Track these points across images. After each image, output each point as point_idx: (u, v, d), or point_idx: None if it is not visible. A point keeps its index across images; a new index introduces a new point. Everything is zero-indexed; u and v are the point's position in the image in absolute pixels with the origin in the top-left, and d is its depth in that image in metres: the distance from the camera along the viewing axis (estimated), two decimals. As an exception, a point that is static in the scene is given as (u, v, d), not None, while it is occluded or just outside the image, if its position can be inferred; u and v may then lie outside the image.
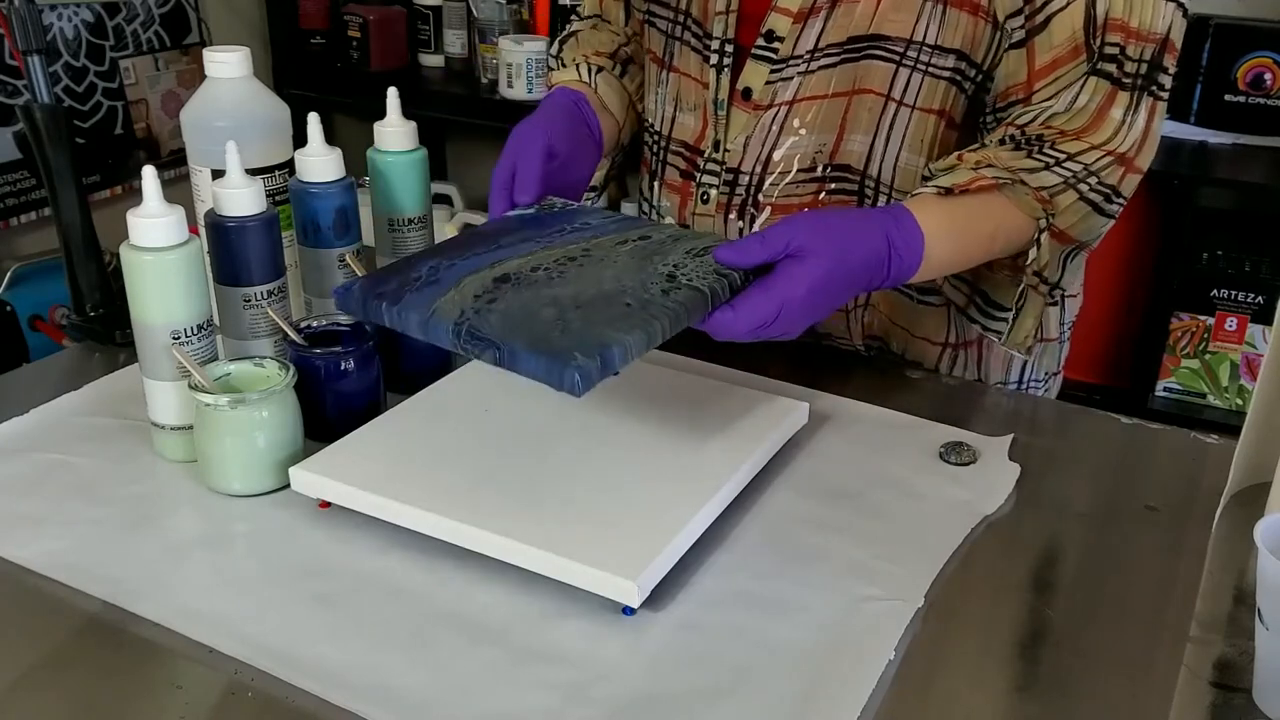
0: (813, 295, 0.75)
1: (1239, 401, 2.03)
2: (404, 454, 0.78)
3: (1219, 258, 1.98)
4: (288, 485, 0.77)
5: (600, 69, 1.07)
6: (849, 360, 1.04)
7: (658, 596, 0.68)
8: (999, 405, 0.97)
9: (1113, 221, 0.90)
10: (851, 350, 1.05)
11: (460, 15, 2.47)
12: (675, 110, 1.04)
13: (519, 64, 2.23)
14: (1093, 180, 0.87)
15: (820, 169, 0.96)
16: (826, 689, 0.62)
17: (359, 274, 0.89)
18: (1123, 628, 0.68)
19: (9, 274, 1.95)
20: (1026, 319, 0.91)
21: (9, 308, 1.93)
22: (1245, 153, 1.94)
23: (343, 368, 0.83)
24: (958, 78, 0.90)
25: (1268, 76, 1.96)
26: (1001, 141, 0.89)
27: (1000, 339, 0.93)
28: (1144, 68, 0.87)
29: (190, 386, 0.77)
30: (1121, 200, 0.89)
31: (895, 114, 0.92)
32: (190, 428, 0.80)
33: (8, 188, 2.08)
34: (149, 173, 0.78)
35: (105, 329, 1.01)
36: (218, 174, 0.86)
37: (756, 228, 0.99)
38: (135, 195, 1.11)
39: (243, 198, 0.82)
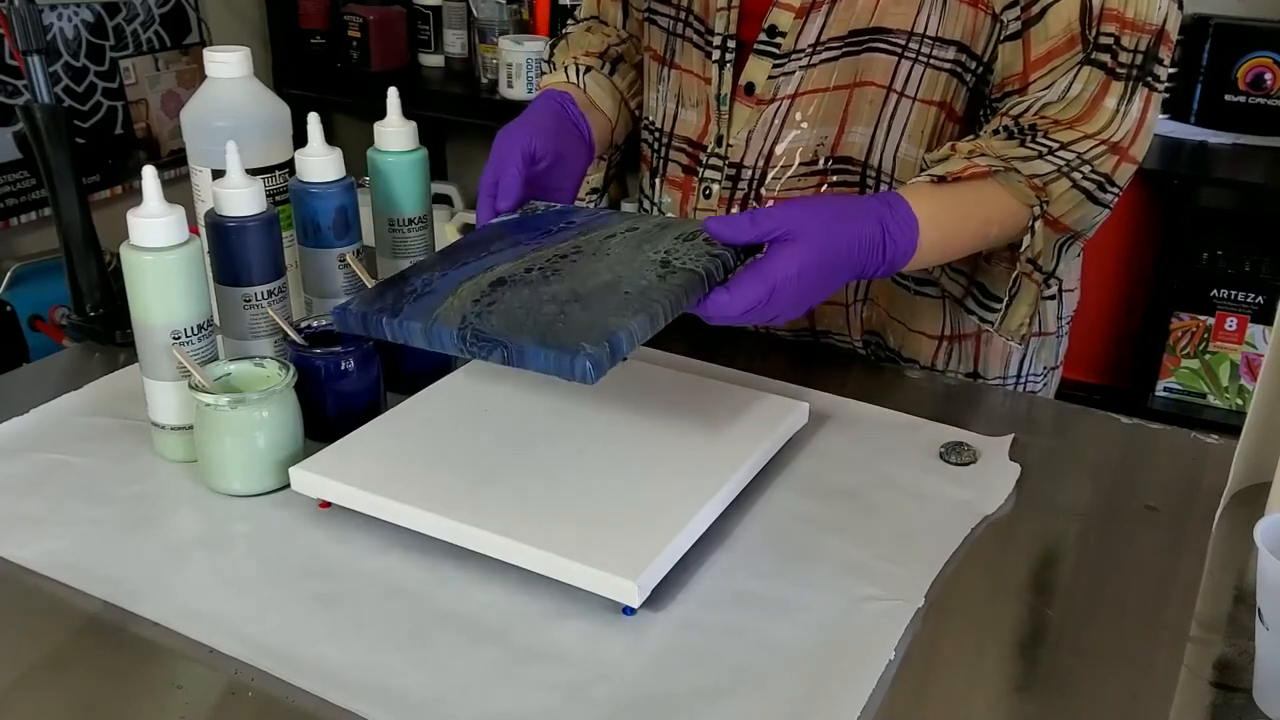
0: (803, 276, 0.76)
1: (1239, 401, 2.03)
2: (404, 454, 0.78)
3: (1219, 258, 1.98)
4: (288, 485, 0.77)
5: (589, 69, 1.07)
6: (849, 360, 1.04)
7: (658, 596, 0.68)
8: (999, 405, 0.97)
9: (1108, 211, 0.91)
10: (849, 348, 1.05)
11: (460, 15, 2.47)
12: (677, 107, 1.04)
13: (519, 64, 2.23)
14: (1085, 169, 0.87)
15: (822, 162, 0.96)
16: (826, 689, 0.62)
17: (359, 274, 0.89)
18: (1123, 628, 0.68)
19: (9, 274, 1.96)
20: (1020, 306, 0.91)
21: (9, 308, 1.93)
22: (1245, 153, 1.94)
23: (343, 368, 0.83)
24: (958, 69, 0.91)
25: (1268, 76, 1.96)
26: (995, 132, 0.89)
27: (993, 326, 0.93)
28: (1139, 58, 0.87)
29: (190, 386, 0.77)
30: (1116, 190, 0.89)
31: (896, 106, 0.92)
32: (190, 428, 0.80)
33: (8, 188, 2.08)
34: (149, 173, 0.78)
35: (105, 329, 1.01)
36: (218, 174, 0.86)
37: None
38: (135, 195, 1.11)
39: (243, 198, 0.82)
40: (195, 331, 0.80)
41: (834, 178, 0.96)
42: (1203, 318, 2.02)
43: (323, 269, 0.91)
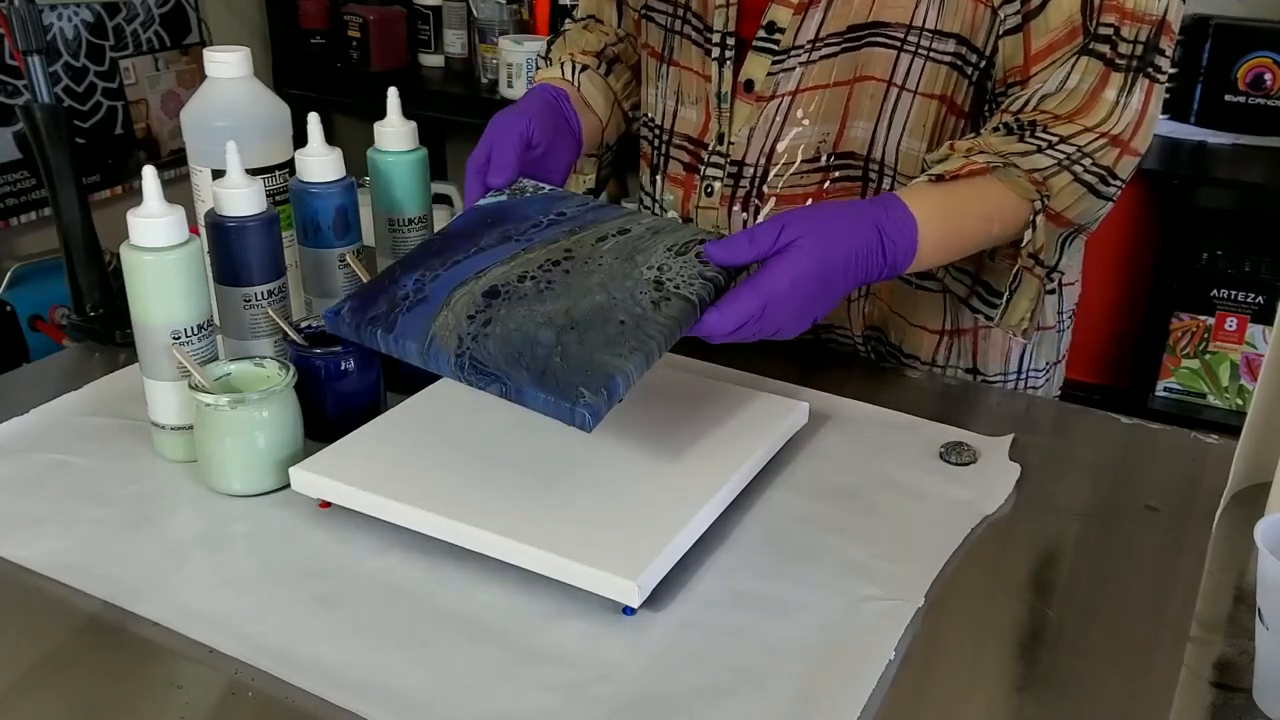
0: (797, 288, 0.75)
1: (1239, 401, 2.03)
2: (404, 454, 0.78)
3: (1219, 258, 1.98)
4: (288, 485, 0.77)
5: (585, 67, 1.07)
6: (849, 359, 1.04)
7: (658, 596, 0.68)
8: (999, 405, 0.97)
9: (1110, 205, 0.90)
10: (850, 345, 1.05)
11: (460, 15, 2.47)
12: (677, 104, 1.04)
13: (519, 64, 2.23)
14: (1086, 162, 0.87)
15: (825, 158, 0.96)
16: (826, 689, 0.62)
17: (359, 274, 0.89)
18: (1123, 628, 0.68)
19: (9, 274, 1.96)
20: (1022, 300, 0.91)
21: (9, 308, 1.93)
22: (1245, 153, 1.94)
23: (343, 368, 0.83)
24: (959, 63, 0.90)
25: (1268, 76, 1.96)
26: (995, 129, 0.89)
27: (995, 320, 0.93)
28: (1139, 49, 0.87)
29: (190, 386, 0.77)
30: (1119, 183, 0.89)
31: (897, 99, 0.92)
32: (190, 428, 0.80)
33: (8, 188, 2.08)
34: (149, 173, 0.78)
35: (105, 329, 1.01)
36: (218, 174, 0.86)
37: (761, 219, 0.99)
38: (135, 195, 1.11)
39: (243, 198, 0.82)
40: (195, 331, 0.80)
41: (836, 174, 0.96)
42: (1203, 318, 2.02)
43: (323, 269, 0.91)
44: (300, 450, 0.80)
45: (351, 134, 2.55)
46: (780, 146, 0.97)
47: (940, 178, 0.85)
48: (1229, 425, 1.21)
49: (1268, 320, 1.97)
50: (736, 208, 1.01)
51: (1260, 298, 1.98)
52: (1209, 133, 1.99)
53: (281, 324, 0.84)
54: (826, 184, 0.97)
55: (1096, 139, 0.87)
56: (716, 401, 0.85)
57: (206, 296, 0.82)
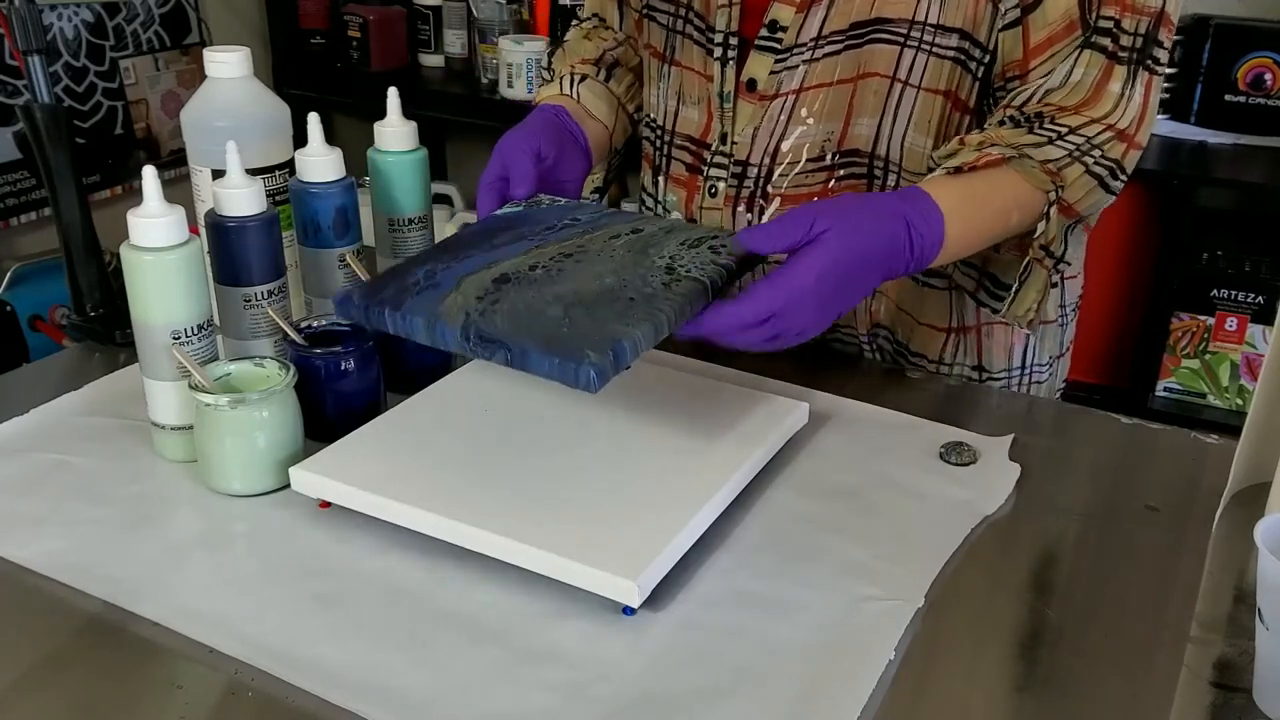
0: (823, 284, 0.74)
1: (1239, 401, 2.03)
2: (404, 454, 0.78)
3: (1219, 258, 1.98)
4: (288, 485, 0.77)
5: (584, 77, 1.07)
6: (849, 360, 1.04)
7: (658, 596, 0.68)
8: (999, 405, 0.97)
9: (1113, 198, 0.91)
10: (855, 345, 1.05)
11: (460, 15, 2.47)
12: (679, 104, 1.04)
13: (519, 64, 2.23)
14: (1096, 154, 0.87)
15: (830, 156, 0.96)
16: (826, 689, 0.62)
17: (359, 274, 0.89)
18: (1123, 628, 0.68)
19: (9, 274, 1.96)
20: (1029, 291, 0.91)
21: (9, 308, 1.93)
22: (1245, 153, 1.94)
23: (343, 368, 0.83)
24: (962, 57, 0.90)
25: (1268, 76, 1.96)
26: (1001, 123, 0.89)
27: (1001, 312, 0.93)
28: (1139, 41, 0.87)
29: (190, 386, 0.77)
30: (1125, 177, 0.89)
31: (901, 95, 0.92)
32: (190, 428, 0.80)
33: (8, 188, 2.08)
34: (149, 173, 0.78)
35: (105, 329, 1.01)
36: (218, 174, 0.86)
37: (765, 219, 0.99)
38: (135, 195, 1.11)
39: (243, 198, 0.82)
40: (195, 331, 0.80)
41: (841, 172, 0.96)
42: (1203, 318, 2.02)
43: (323, 269, 0.91)
44: (300, 450, 0.80)
45: (351, 134, 2.55)
46: (785, 145, 0.97)
47: (959, 170, 0.85)
48: (1229, 425, 1.21)
49: (1268, 320, 1.97)
50: (741, 208, 1.01)
51: (1260, 298, 1.98)
52: (1209, 133, 1.99)
53: (281, 324, 0.84)
54: (832, 182, 0.97)
55: (1104, 130, 0.87)
56: (717, 401, 0.85)
57: (206, 296, 0.82)
